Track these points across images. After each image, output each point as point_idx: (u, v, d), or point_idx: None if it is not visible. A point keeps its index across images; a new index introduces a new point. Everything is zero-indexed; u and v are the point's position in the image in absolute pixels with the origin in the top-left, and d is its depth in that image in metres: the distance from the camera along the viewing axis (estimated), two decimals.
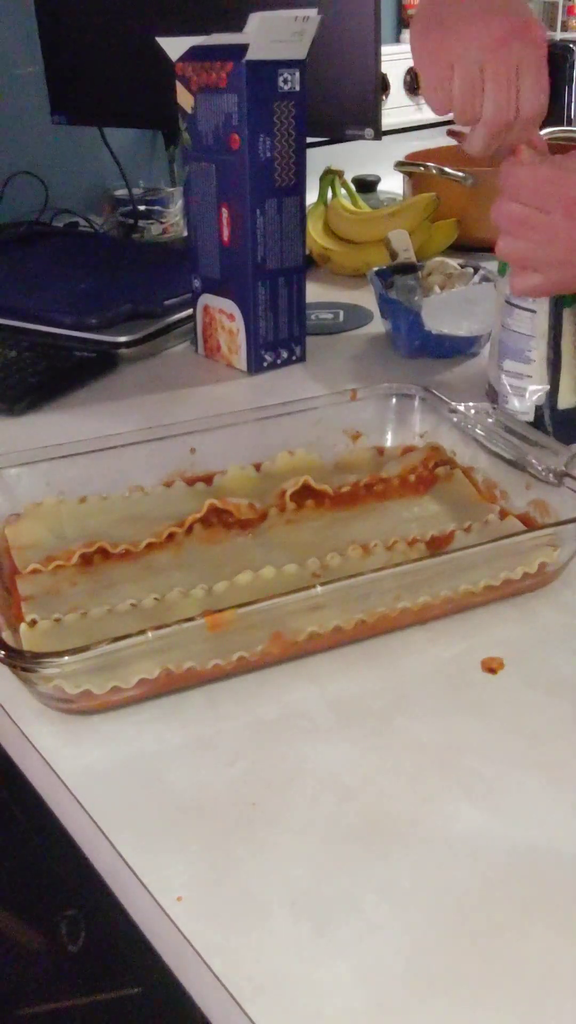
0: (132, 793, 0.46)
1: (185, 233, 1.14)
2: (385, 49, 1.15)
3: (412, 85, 2.05)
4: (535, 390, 0.75)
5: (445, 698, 0.52)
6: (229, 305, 0.95)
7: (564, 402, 0.76)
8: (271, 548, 0.63)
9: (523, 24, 0.62)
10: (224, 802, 0.46)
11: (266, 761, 0.48)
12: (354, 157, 1.48)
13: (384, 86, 1.97)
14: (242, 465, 0.70)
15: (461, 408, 0.70)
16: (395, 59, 2.02)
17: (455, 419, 0.71)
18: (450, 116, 0.65)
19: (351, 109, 1.16)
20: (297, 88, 0.87)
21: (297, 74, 0.86)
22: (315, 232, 1.31)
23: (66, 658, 0.46)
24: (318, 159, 1.26)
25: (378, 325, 1.08)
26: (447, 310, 0.95)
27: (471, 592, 0.57)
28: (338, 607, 0.53)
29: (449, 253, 1.24)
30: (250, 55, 0.83)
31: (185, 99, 0.91)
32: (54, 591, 0.59)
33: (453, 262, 1.04)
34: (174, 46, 0.89)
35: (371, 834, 0.44)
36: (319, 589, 0.50)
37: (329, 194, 1.37)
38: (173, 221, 1.56)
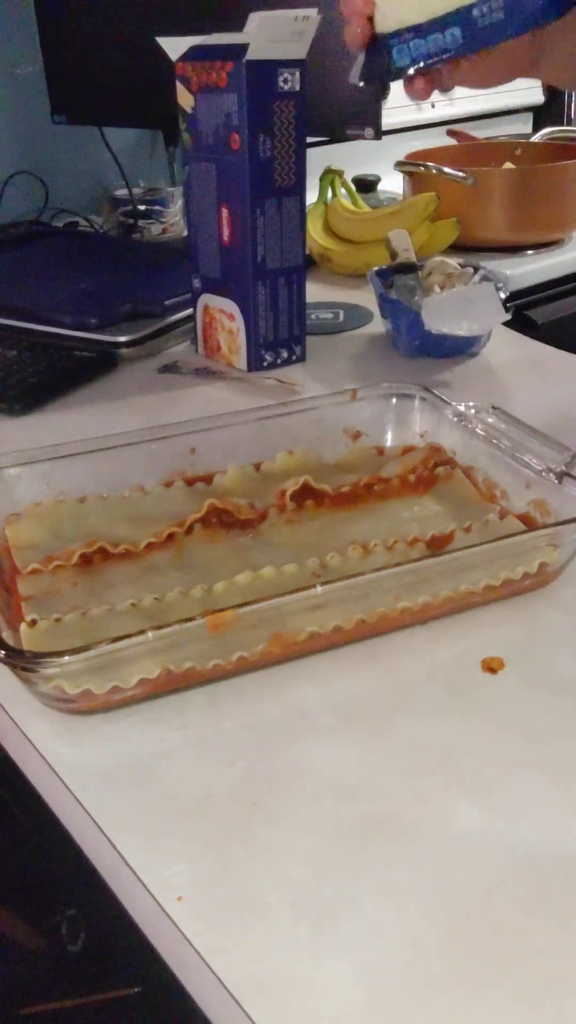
0: (132, 793, 0.46)
1: (185, 233, 1.14)
2: None
3: None
4: None
5: (445, 698, 0.52)
6: (229, 305, 0.95)
7: None
8: (271, 548, 0.63)
9: None
10: (224, 802, 0.46)
11: (266, 761, 0.48)
12: (354, 157, 1.48)
13: (384, 86, 1.97)
14: (242, 465, 0.70)
15: (461, 408, 0.71)
16: None
17: (455, 419, 0.71)
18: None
19: (351, 109, 1.16)
20: (297, 88, 0.87)
21: (297, 74, 0.86)
22: (315, 232, 1.31)
23: (66, 658, 0.46)
24: (318, 159, 1.26)
25: (378, 325, 1.08)
26: (447, 310, 0.95)
27: (471, 592, 0.57)
28: (338, 607, 0.53)
29: (449, 253, 1.24)
30: (250, 55, 0.83)
31: (185, 99, 0.91)
32: (54, 591, 0.59)
33: (453, 262, 1.04)
34: (174, 46, 0.90)
35: (371, 834, 0.44)
36: (319, 589, 0.50)
37: (329, 194, 1.37)
38: (173, 221, 1.56)
